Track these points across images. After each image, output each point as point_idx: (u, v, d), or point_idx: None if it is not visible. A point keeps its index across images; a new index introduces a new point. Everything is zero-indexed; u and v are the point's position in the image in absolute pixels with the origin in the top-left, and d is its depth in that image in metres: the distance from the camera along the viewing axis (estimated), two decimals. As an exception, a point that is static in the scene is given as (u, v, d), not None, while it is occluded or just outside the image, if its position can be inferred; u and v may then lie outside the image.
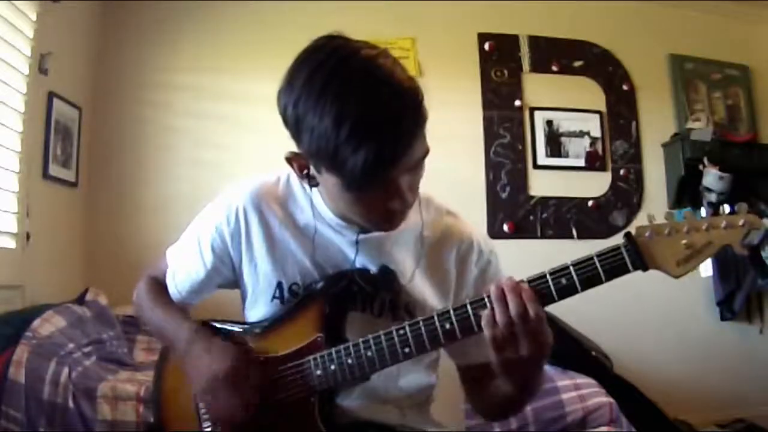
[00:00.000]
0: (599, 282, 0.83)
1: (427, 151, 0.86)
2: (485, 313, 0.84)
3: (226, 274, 1.08)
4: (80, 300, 2.36)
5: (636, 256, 0.82)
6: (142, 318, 1.18)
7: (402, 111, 0.78)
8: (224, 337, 1.03)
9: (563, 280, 0.84)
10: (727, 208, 0.80)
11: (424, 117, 0.82)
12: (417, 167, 0.86)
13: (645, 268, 0.82)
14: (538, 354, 0.84)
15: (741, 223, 0.79)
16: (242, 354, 0.98)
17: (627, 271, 0.83)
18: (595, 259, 0.83)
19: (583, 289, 0.84)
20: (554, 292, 0.84)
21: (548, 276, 0.85)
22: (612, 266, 0.82)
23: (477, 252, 1.05)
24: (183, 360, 1.02)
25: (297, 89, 0.81)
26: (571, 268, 0.84)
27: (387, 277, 0.99)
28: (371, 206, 0.88)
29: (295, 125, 0.83)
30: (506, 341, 0.83)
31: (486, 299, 0.85)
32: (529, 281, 0.85)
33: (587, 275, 0.83)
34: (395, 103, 0.78)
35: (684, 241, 0.81)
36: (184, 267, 1.10)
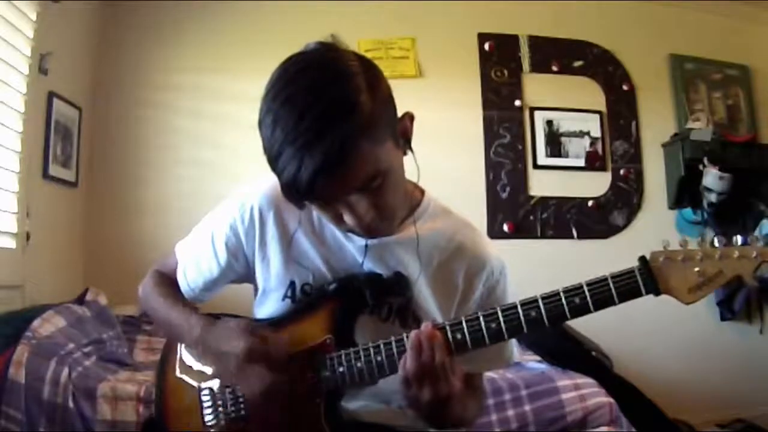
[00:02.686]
0: (612, 303, 0.85)
1: (378, 170, 0.83)
2: (404, 355, 0.88)
3: (239, 271, 1.08)
4: (80, 300, 2.36)
5: (649, 281, 0.83)
6: (147, 311, 1.18)
7: (328, 133, 0.77)
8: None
9: (576, 300, 0.85)
10: (740, 239, 0.82)
11: (357, 139, 0.78)
12: (370, 185, 0.83)
13: (657, 293, 0.84)
14: (435, 401, 0.87)
15: (754, 255, 0.81)
16: (255, 329, 0.97)
17: (640, 295, 0.84)
18: (610, 280, 0.84)
19: (596, 309, 0.85)
20: (567, 311, 0.85)
21: (562, 294, 0.86)
22: (626, 289, 0.84)
23: (487, 272, 1.04)
24: (199, 349, 1.04)
25: (262, 99, 0.84)
26: (585, 288, 0.85)
27: (399, 282, 1.00)
28: (331, 216, 0.90)
29: (258, 131, 0.85)
30: (410, 384, 0.87)
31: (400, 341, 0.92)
32: (543, 298, 0.86)
33: (601, 296, 0.84)
34: (322, 126, 0.77)
35: (697, 269, 0.83)
36: (196, 264, 1.10)
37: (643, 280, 0.83)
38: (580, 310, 0.85)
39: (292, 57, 0.86)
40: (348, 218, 0.86)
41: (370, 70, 0.85)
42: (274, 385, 0.93)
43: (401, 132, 0.90)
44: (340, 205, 0.86)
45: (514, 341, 1.10)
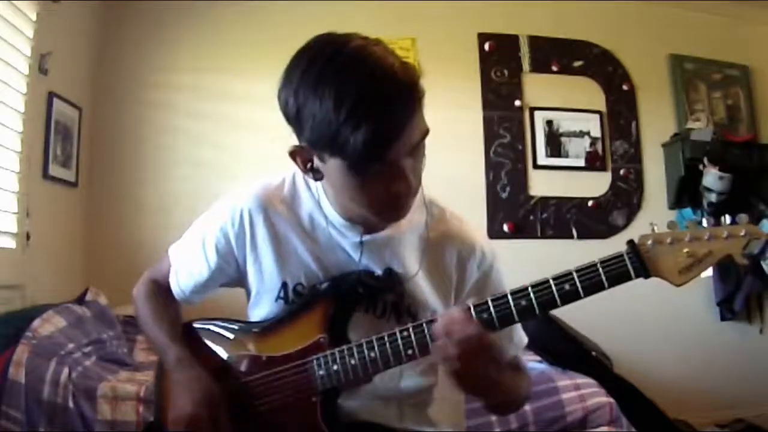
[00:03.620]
0: (602, 288, 0.85)
1: (426, 132, 0.87)
2: (437, 343, 0.85)
3: (230, 274, 1.09)
4: (80, 300, 2.36)
5: (639, 264, 0.83)
6: (137, 318, 1.19)
7: (397, 90, 0.80)
8: (213, 358, 1.05)
9: (566, 286, 0.85)
10: (728, 218, 0.82)
11: (419, 96, 0.84)
12: (417, 149, 0.87)
13: (647, 276, 0.84)
14: (491, 378, 0.86)
15: (742, 233, 0.81)
16: (216, 396, 0.98)
17: (629, 278, 0.84)
18: (599, 265, 0.84)
19: (586, 295, 0.85)
20: (557, 298, 0.85)
21: (551, 281, 0.86)
22: (615, 273, 0.84)
23: (479, 256, 1.05)
24: (171, 380, 1.05)
25: (296, 81, 0.83)
26: (575, 274, 0.85)
27: (391, 279, 1.00)
28: (375, 191, 0.87)
29: (296, 116, 0.84)
30: (457, 370, 0.84)
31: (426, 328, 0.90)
32: (533, 286, 0.87)
33: (590, 281, 0.84)
34: (390, 83, 0.80)
35: (686, 250, 0.83)
36: (187, 266, 1.11)
37: (633, 263, 0.83)
38: (571, 297, 0.85)
39: (314, 43, 0.86)
40: (399, 186, 0.86)
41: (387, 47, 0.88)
42: None
43: None
44: (394, 171, 0.85)
45: (520, 328, 1.09)
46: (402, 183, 0.86)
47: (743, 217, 0.82)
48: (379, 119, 0.79)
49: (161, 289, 1.16)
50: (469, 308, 0.88)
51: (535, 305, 0.86)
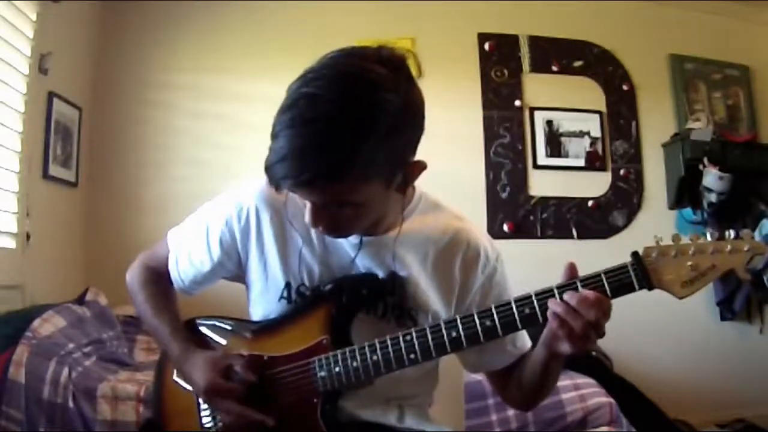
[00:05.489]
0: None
1: (345, 202, 0.84)
2: (564, 330, 0.84)
3: (231, 269, 1.09)
4: (80, 300, 2.36)
5: (642, 276, 0.84)
6: (133, 305, 1.19)
7: (325, 151, 0.78)
8: (217, 342, 1.07)
9: None
10: (732, 233, 0.82)
11: (343, 170, 0.79)
12: (329, 206, 0.85)
13: (650, 288, 0.85)
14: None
15: (746, 248, 0.82)
16: (225, 363, 0.99)
17: (633, 290, 0.85)
18: (603, 276, 0.85)
19: None
20: None
21: (555, 290, 0.86)
22: (619, 284, 0.85)
23: (483, 259, 1.04)
24: (178, 370, 1.08)
25: (287, 91, 0.83)
26: (579, 283, 0.86)
27: (395, 282, 1.00)
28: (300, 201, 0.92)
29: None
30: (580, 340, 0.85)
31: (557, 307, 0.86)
32: (536, 294, 0.87)
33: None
34: (322, 142, 0.77)
35: (689, 264, 0.83)
36: (188, 255, 1.10)
37: (636, 275, 0.84)
38: None
39: (323, 61, 0.83)
40: (310, 221, 0.89)
41: (404, 110, 0.82)
42: (238, 418, 0.96)
43: (402, 175, 0.89)
44: (308, 209, 0.88)
45: (524, 332, 1.09)
46: (313, 222, 0.88)
47: (746, 232, 0.82)
48: (288, 167, 0.78)
49: (158, 276, 1.15)
50: (550, 290, 0.86)
51: (539, 314, 0.87)
